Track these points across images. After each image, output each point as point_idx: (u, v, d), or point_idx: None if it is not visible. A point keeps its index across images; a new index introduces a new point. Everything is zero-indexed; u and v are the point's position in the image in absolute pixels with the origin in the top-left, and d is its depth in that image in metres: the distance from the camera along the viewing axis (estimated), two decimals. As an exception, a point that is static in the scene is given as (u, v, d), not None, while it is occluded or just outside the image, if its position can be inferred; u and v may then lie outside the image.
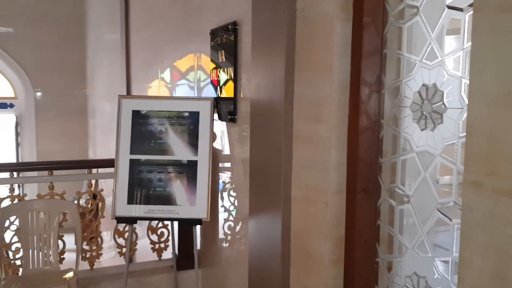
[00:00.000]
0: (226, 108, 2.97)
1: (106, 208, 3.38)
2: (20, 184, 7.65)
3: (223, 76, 2.97)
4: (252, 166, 2.55)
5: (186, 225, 3.10)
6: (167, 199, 3.02)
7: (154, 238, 3.50)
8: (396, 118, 1.86)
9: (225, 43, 2.91)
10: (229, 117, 2.90)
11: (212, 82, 3.22)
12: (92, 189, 3.36)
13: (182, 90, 4.45)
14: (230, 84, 2.90)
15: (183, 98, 3.27)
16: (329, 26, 1.93)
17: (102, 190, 3.37)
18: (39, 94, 8.90)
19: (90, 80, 9.29)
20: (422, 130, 1.73)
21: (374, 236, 1.96)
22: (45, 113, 8.89)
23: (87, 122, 9.68)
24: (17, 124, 8.98)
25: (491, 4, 1.24)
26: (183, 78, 4.42)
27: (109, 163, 3.22)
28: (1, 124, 9.31)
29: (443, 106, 1.64)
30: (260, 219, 2.50)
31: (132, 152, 3.05)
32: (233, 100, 2.85)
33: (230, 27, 2.79)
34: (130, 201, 3.01)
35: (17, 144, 9.01)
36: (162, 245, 3.51)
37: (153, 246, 3.49)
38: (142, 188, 3.03)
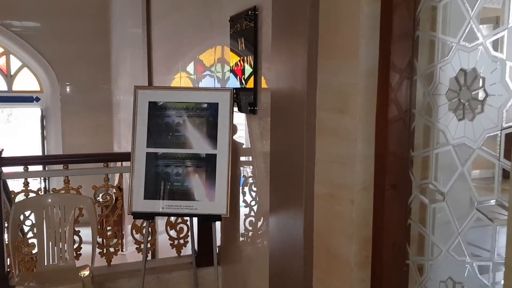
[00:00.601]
0: (246, 99, 2.82)
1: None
2: (47, 178, 7.74)
3: (247, 67, 2.81)
4: (272, 160, 2.40)
5: (205, 221, 2.97)
6: (185, 194, 2.90)
7: (173, 234, 3.39)
8: (429, 108, 1.68)
9: (244, 30, 2.76)
10: (249, 108, 2.76)
11: (234, 72, 3.07)
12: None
13: (206, 82, 4.33)
14: (248, 74, 2.76)
15: (201, 89, 3.13)
16: (356, 7, 1.76)
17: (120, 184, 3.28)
18: (68, 88, 8.95)
19: (115, 74, 9.28)
20: (459, 120, 1.55)
21: (405, 237, 1.79)
22: (71, 107, 8.94)
23: (112, 115, 9.69)
24: (42, 117, 9.05)
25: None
26: (207, 70, 4.30)
27: (126, 156, 3.12)
28: (27, 117, 9.42)
29: (483, 93, 1.46)
30: (280, 216, 2.35)
31: (148, 145, 2.94)
32: (253, 91, 2.70)
33: (249, 12, 2.64)
34: (147, 196, 2.91)
35: (43, 138, 9.08)
36: (182, 241, 3.40)
37: (172, 242, 3.39)
38: (159, 182, 2.92)
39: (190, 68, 4.79)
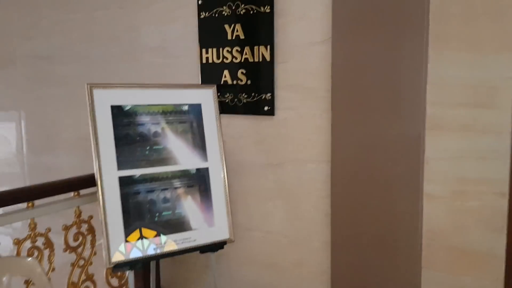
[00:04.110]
0: (249, 98, 2.36)
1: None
2: None
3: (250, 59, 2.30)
4: (337, 170, 2.11)
5: (206, 252, 2.33)
6: (179, 225, 2.22)
7: (114, 282, 2.53)
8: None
9: (245, 14, 2.29)
10: (266, 108, 2.32)
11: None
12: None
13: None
14: (257, 69, 2.33)
15: (178, 86, 2.38)
16: None
17: (91, 217, 2.24)
18: None
19: None
20: None
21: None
22: None
23: None
24: None
25: None
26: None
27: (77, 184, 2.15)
28: None
29: None
30: (362, 227, 2.11)
31: (120, 167, 2.12)
32: (270, 87, 2.29)
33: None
34: (130, 236, 2.10)
35: None
36: (125, 288, 2.58)
37: (114, 293, 2.52)
38: (144, 215, 2.15)
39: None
